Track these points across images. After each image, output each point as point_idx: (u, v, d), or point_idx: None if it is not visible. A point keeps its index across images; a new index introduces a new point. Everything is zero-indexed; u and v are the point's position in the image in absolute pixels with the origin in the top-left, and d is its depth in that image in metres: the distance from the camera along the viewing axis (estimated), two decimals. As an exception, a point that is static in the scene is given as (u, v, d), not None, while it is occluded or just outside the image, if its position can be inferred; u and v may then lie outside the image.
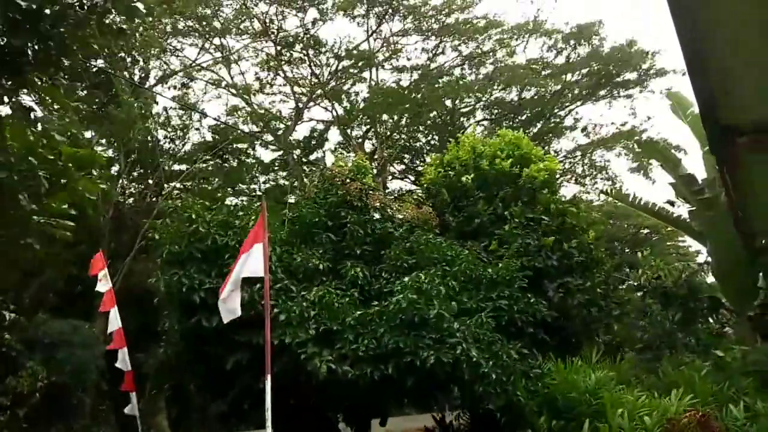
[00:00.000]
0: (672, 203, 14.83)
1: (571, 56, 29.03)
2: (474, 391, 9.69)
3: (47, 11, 4.95)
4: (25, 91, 5.83)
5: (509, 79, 28.81)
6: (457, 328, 9.67)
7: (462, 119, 30.23)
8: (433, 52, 29.07)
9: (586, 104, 30.72)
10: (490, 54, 29.06)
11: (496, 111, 30.64)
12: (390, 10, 27.30)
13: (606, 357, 12.09)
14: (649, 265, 16.77)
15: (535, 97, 30.09)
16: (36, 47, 5.00)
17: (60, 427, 18.06)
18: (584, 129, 31.52)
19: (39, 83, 5.51)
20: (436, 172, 14.23)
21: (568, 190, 32.68)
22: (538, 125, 30.25)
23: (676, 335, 15.12)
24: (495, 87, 29.13)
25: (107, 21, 5.23)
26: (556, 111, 30.82)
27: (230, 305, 8.37)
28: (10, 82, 5.27)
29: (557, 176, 16.11)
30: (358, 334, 9.58)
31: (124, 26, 5.48)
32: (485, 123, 30.27)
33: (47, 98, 5.79)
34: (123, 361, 11.60)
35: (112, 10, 5.09)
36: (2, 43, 4.98)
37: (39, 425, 17.45)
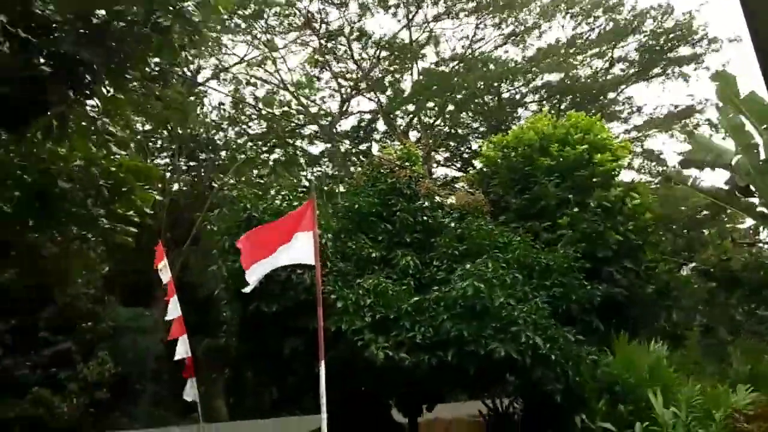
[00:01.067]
0: (746, 189, 13.74)
1: (621, 27, 27.94)
2: (533, 376, 9.63)
3: (115, 25, 5.16)
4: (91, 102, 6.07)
5: (555, 62, 28.10)
6: (518, 315, 9.61)
7: (510, 105, 29.70)
8: (473, 37, 28.65)
9: (639, 83, 29.67)
10: (533, 29, 28.32)
11: (544, 94, 29.97)
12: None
13: (665, 342, 11.77)
14: (715, 245, 16.01)
15: (586, 80, 29.28)
16: (103, 60, 5.23)
17: (125, 412, 18.94)
18: (639, 109, 30.55)
19: (105, 94, 5.75)
20: (496, 153, 14.13)
21: (624, 174, 31.82)
22: (590, 109, 29.41)
23: (741, 321, 14.57)
24: (541, 69, 28.42)
25: (168, 38, 5.42)
26: (607, 93, 29.94)
27: (253, 277, 8.44)
28: (77, 94, 5.52)
29: (625, 162, 15.74)
30: (415, 321, 9.62)
31: (185, 42, 5.65)
32: (534, 106, 29.66)
33: (111, 109, 6.02)
34: (183, 347, 12.01)
35: (174, 28, 5.26)
36: (71, 56, 5.21)
37: (105, 411, 18.35)
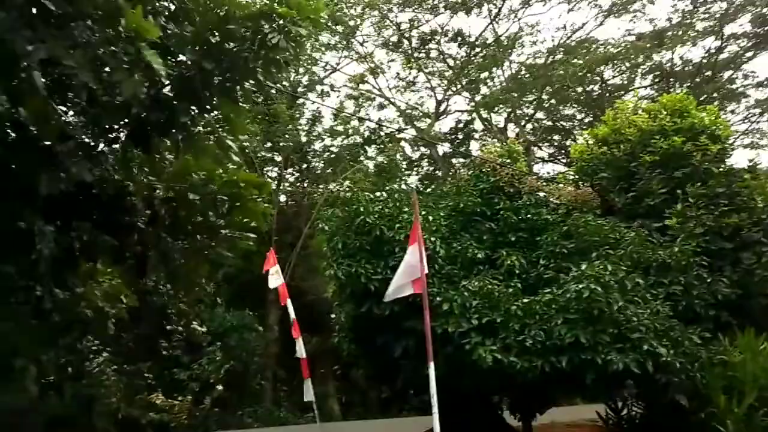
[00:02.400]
0: None
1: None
2: (656, 382, 9.12)
3: (228, 46, 5.58)
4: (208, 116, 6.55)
5: (662, 40, 26.31)
6: (638, 321, 9.13)
7: (616, 91, 28.22)
8: (569, 24, 27.51)
9: (759, 57, 27.10)
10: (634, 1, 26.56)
11: (653, 78, 28.21)
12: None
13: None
14: None
15: (701, 59, 27.21)
16: (219, 79, 5.69)
17: (245, 411, 20.04)
18: (759, 84, 27.95)
19: (221, 109, 6.20)
20: (595, 149, 13.43)
21: (743, 154, 29.31)
22: (705, 90, 27.28)
23: None
24: (649, 50, 26.67)
25: (276, 55, 5.76)
26: (721, 71, 27.66)
27: (396, 290, 8.58)
28: (199, 111, 6.00)
29: (730, 142, 14.48)
30: (524, 324, 9.41)
31: (289, 58, 5.98)
32: (643, 92, 27.97)
33: (230, 120, 6.48)
34: (299, 349, 12.57)
35: (281, 44, 5.59)
36: (192, 76, 5.68)
37: (227, 410, 19.52)
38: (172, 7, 5.71)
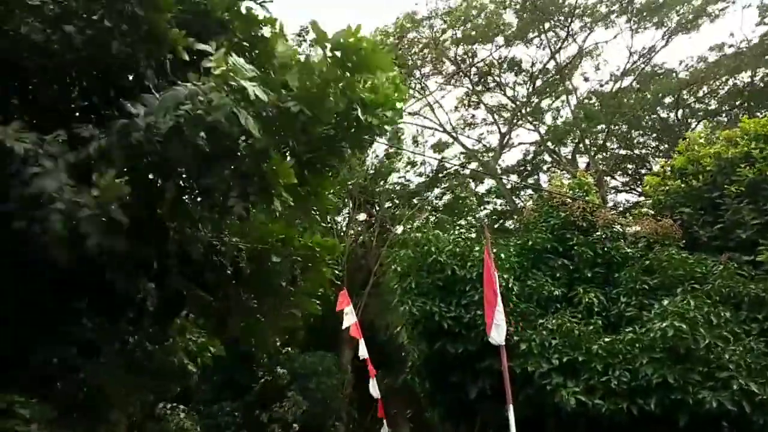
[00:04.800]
0: None
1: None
2: (752, 423, 8.50)
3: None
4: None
5: (741, 60, 25.16)
6: (728, 358, 8.65)
7: (692, 117, 27.17)
8: (635, 49, 26.83)
9: None
10: (701, 15, 25.55)
11: (734, 102, 26.96)
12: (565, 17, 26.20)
13: None
14: None
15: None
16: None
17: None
18: None
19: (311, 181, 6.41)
20: (671, 181, 12.90)
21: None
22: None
23: None
24: (727, 71, 25.53)
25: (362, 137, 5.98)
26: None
27: (499, 332, 8.49)
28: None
29: None
30: (608, 364, 9.09)
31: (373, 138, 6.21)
32: (725, 117, 26.75)
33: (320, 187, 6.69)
34: (373, 388, 12.60)
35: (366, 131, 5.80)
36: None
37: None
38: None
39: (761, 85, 26.33)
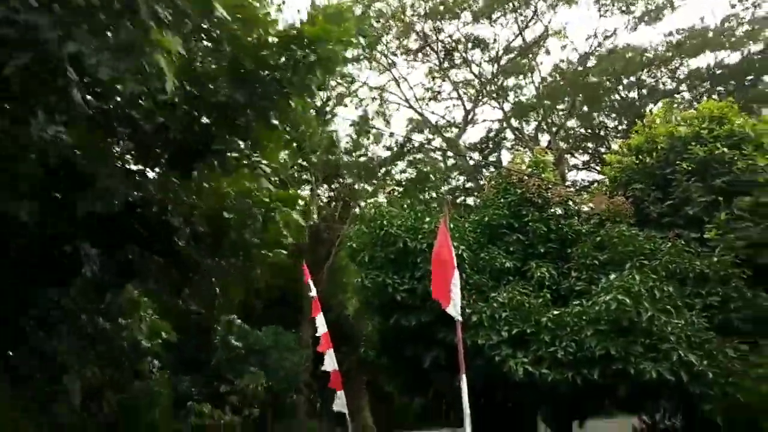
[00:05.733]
0: None
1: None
2: (690, 395, 8.92)
3: (262, 73, 5.83)
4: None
5: (699, 44, 25.77)
6: (669, 331, 8.98)
7: (652, 98, 27.74)
8: (600, 31, 27.21)
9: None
10: (666, 7, 26.09)
11: (691, 83, 27.62)
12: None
13: None
14: None
15: (740, 62, 26.53)
16: (254, 104, 5.95)
17: (282, 425, 20.33)
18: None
19: (256, 133, 6.45)
20: (629, 160, 13.20)
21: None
22: (745, 95, 26.54)
23: None
24: (686, 53, 26.14)
25: (307, 79, 5.99)
26: (762, 76, 26.88)
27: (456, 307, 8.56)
28: (233, 135, 6.27)
29: None
30: (555, 336, 9.35)
31: (321, 81, 6.21)
32: (680, 98, 27.42)
33: (263, 143, 6.72)
34: (330, 361, 12.68)
35: (311, 70, 5.81)
36: (227, 102, 5.96)
37: (264, 424, 19.83)
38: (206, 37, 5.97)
39: (718, 71, 27.03)
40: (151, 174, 6.62)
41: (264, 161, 6.66)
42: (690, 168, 11.96)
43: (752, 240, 10.63)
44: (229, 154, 6.23)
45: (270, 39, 5.63)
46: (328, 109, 24.56)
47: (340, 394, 12.68)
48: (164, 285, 7.46)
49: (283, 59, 5.85)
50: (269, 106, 6.08)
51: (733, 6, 25.88)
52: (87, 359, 7.95)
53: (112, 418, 14.98)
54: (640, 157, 12.94)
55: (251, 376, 19.03)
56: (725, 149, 11.95)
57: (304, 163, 22.50)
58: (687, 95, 27.65)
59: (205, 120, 6.24)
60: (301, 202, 7.99)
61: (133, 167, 6.40)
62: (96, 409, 14.53)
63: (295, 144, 20.72)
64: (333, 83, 23.61)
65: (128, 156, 6.29)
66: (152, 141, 6.11)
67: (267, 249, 7.08)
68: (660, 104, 25.81)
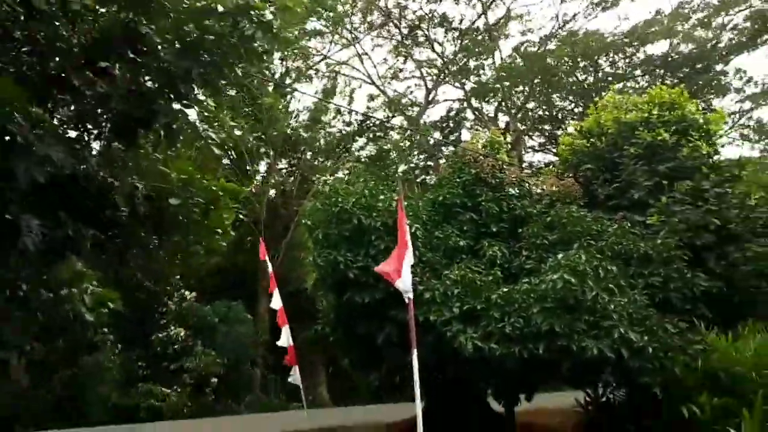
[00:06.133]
0: None
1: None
2: (629, 368, 9.34)
3: (206, 39, 5.73)
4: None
5: (655, 31, 26.45)
6: (612, 309, 9.33)
7: (609, 81, 28.38)
8: (561, 15, 27.58)
9: (751, 52, 27.32)
10: None
11: (647, 69, 28.34)
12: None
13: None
14: None
15: (692, 50, 27.34)
16: (199, 70, 5.85)
17: (238, 398, 20.33)
18: (750, 79, 28.18)
19: (203, 102, 6.36)
20: (580, 143, 13.53)
21: (733, 150, 29.62)
22: (696, 82, 27.42)
23: None
24: (641, 40, 26.82)
25: (252, 46, 5.93)
26: (713, 64, 27.79)
27: (406, 283, 8.65)
28: (180, 104, 6.15)
29: (721, 134, 14.46)
30: (504, 312, 9.58)
31: (267, 48, 6.15)
32: (634, 84, 28.15)
33: (210, 116, 6.65)
34: (285, 337, 12.77)
35: (257, 35, 5.74)
36: (171, 69, 5.83)
37: (220, 399, 19.78)
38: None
39: (673, 54, 27.80)
40: (95, 147, 6.45)
41: (211, 130, 6.59)
42: (637, 153, 12.34)
43: (691, 223, 11.12)
44: (174, 123, 6.11)
45: (215, 5, 5.54)
46: (288, 82, 24.26)
47: (295, 369, 12.85)
48: (106, 258, 7.34)
49: (227, 26, 5.77)
50: (215, 73, 6.00)
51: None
52: (28, 332, 7.76)
53: (64, 394, 14.73)
54: (591, 140, 13.27)
55: (202, 350, 18.91)
56: (672, 135, 12.36)
57: (263, 136, 22.22)
58: (641, 81, 28.38)
59: (149, 87, 6.11)
60: (244, 194, 7.98)
61: (74, 141, 6.20)
62: (46, 386, 14.25)
63: (253, 118, 20.60)
64: (291, 58, 23.30)
65: (69, 127, 6.10)
66: (93, 109, 5.94)
67: (208, 232, 7.04)
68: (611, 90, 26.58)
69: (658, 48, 27.90)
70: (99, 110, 6.35)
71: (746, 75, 27.99)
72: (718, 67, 28.25)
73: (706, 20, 26.88)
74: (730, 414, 9.12)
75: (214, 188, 6.92)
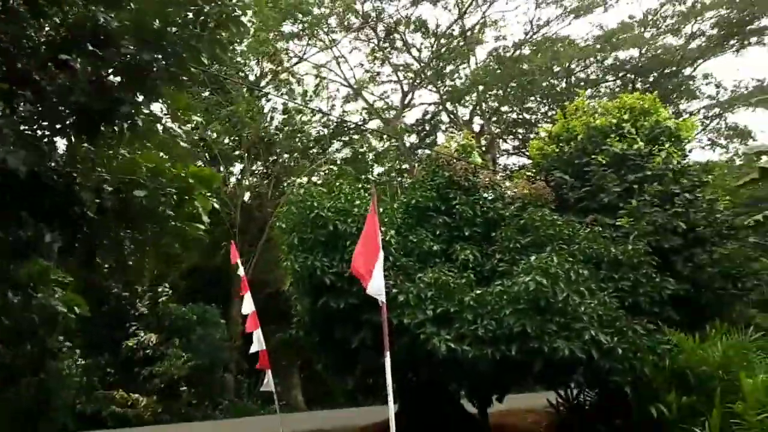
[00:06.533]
0: None
1: (696, 4, 26.57)
2: (600, 368, 9.50)
3: (169, 30, 5.66)
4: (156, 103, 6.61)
5: (626, 37, 27.02)
6: (583, 311, 9.48)
7: (581, 86, 28.88)
8: (535, 20, 27.99)
9: (717, 57, 28.03)
10: (598, 5, 27.27)
11: (616, 73, 28.90)
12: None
13: (742, 330, 11.15)
14: None
15: (660, 54, 27.96)
16: (162, 62, 5.78)
17: (212, 403, 20.05)
18: (718, 85, 28.91)
19: (167, 93, 6.27)
20: (550, 148, 13.71)
21: (702, 154, 30.33)
22: (666, 86, 28.06)
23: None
24: (612, 46, 27.37)
25: (217, 37, 5.87)
26: (682, 69, 28.45)
27: (378, 287, 8.62)
28: (142, 96, 6.06)
29: (690, 145, 14.70)
30: (477, 314, 9.67)
31: (231, 40, 6.12)
32: (606, 88, 28.68)
33: (174, 106, 6.56)
34: (258, 341, 12.65)
35: (220, 27, 5.70)
36: (134, 62, 5.75)
37: (194, 404, 19.47)
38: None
39: (643, 59, 28.36)
40: (60, 143, 6.30)
41: (176, 123, 6.50)
42: (605, 161, 12.54)
43: (659, 225, 11.37)
44: (138, 117, 6.01)
45: None
46: (263, 84, 24.12)
47: (268, 374, 12.73)
48: (74, 259, 7.17)
49: (190, 16, 5.70)
50: (178, 64, 5.91)
51: (662, 5, 27.16)
52: (-5, 337, 7.58)
53: (31, 402, 14.34)
54: (560, 145, 13.47)
55: (175, 354, 18.60)
56: (643, 143, 12.60)
57: (236, 138, 22.05)
58: (612, 86, 28.92)
59: (112, 81, 6.00)
60: (218, 181, 7.79)
61: (37, 138, 6.05)
62: (13, 395, 13.86)
63: (227, 121, 20.40)
64: (266, 59, 23.17)
65: (31, 124, 5.95)
66: (56, 105, 5.82)
67: (181, 222, 6.87)
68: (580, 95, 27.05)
69: (629, 53, 28.50)
70: (61, 106, 6.20)
71: (714, 79, 28.78)
72: (687, 72, 28.93)
73: (675, 27, 27.52)
74: (697, 413, 9.35)
75: (183, 175, 6.75)
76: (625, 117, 13.28)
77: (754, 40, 26.47)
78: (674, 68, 28.27)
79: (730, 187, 15.32)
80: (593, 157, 12.63)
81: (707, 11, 26.50)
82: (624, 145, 12.66)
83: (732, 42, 26.90)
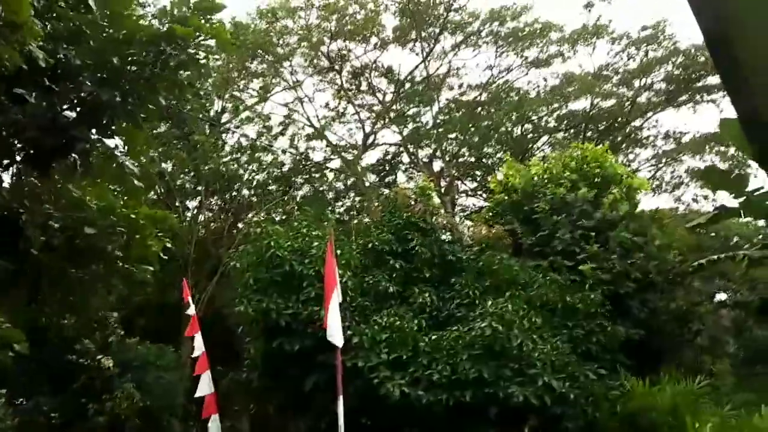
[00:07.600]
0: None
1: (644, 61, 28.01)
2: (553, 414, 9.50)
3: (129, 69, 5.59)
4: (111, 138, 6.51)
5: (579, 89, 28.20)
6: (536, 356, 9.54)
7: (534, 133, 29.82)
8: (496, 66, 28.99)
9: (666, 111, 29.44)
10: (556, 57, 28.51)
11: (569, 123, 30.01)
12: (439, 30, 27.65)
13: (691, 375, 11.41)
14: (743, 276, 15.57)
15: (611, 106, 29.22)
16: (119, 101, 5.68)
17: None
18: (667, 135, 30.27)
19: (123, 130, 6.17)
20: (499, 196, 14.01)
21: (651, 201, 31.46)
22: (616, 136, 29.25)
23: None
24: (565, 98, 28.56)
25: (177, 77, 5.83)
26: (632, 120, 29.74)
27: (336, 332, 8.50)
28: (99, 134, 5.94)
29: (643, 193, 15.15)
30: (432, 359, 9.63)
31: (191, 80, 6.08)
32: (559, 135, 29.68)
33: (132, 143, 6.45)
34: (206, 384, 12.16)
35: (181, 67, 5.67)
36: (91, 99, 5.65)
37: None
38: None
39: (593, 111, 29.55)
40: (5, 177, 6.09)
41: (132, 160, 6.34)
42: (549, 207, 12.80)
43: (614, 273, 11.64)
44: (93, 153, 5.87)
45: (137, 36, 5.44)
46: (224, 120, 24.00)
47: (214, 418, 12.21)
48: (15, 292, 6.84)
49: (151, 56, 5.66)
50: (136, 103, 5.83)
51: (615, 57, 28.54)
52: None
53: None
54: (508, 193, 13.78)
55: (125, 394, 17.70)
56: (592, 190, 12.95)
57: (193, 173, 21.73)
58: (566, 134, 29.94)
59: (67, 116, 5.87)
60: (171, 223, 7.62)
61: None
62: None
63: (184, 153, 20.10)
64: (227, 96, 23.14)
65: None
66: (6, 138, 5.64)
67: (129, 263, 6.68)
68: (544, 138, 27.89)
69: (581, 104, 29.68)
70: (11, 139, 6.03)
71: (662, 131, 30.15)
72: (637, 123, 30.20)
73: (626, 80, 28.85)
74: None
75: (134, 216, 6.57)
76: (572, 165, 13.69)
77: (705, 96, 27.91)
78: (624, 119, 29.49)
79: (677, 234, 15.86)
80: (536, 205, 12.87)
81: (657, 66, 27.87)
82: (563, 190, 12.95)
83: (683, 98, 28.26)
